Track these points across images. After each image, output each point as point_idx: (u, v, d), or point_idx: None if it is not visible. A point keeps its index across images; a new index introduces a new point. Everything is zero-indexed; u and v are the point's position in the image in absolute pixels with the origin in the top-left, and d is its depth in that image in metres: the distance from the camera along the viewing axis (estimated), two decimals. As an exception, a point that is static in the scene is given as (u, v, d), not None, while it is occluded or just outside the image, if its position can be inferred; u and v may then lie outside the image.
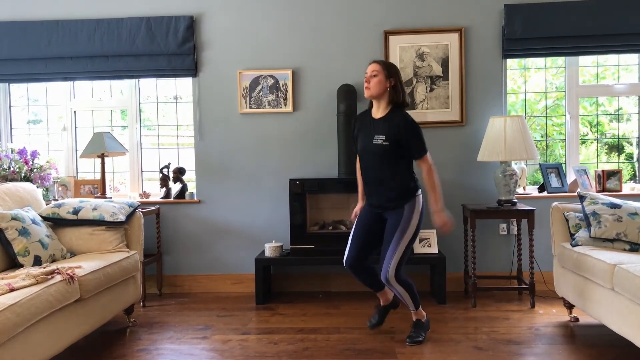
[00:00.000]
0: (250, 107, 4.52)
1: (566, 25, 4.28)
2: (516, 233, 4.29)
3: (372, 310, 3.91)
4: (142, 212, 3.94)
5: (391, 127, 3.10)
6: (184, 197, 4.62)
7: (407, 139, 3.11)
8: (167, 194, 4.65)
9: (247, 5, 4.52)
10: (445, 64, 4.41)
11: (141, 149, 4.81)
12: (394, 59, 4.41)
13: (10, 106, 4.91)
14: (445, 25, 4.42)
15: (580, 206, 3.54)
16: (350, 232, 3.35)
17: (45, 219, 3.56)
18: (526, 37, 4.31)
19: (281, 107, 4.49)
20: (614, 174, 4.42)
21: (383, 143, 3.08)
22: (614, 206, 3.37)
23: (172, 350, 3.25)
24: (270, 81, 4.48)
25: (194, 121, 4.62)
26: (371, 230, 3.27)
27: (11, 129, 4.92)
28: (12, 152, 4.43)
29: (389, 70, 3.13)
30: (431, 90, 4.43)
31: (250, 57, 4.52)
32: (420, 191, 3.23)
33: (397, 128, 3.09)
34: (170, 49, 4.48)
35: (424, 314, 3.36)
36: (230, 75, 4.54)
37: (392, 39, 4.42)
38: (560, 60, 4.64)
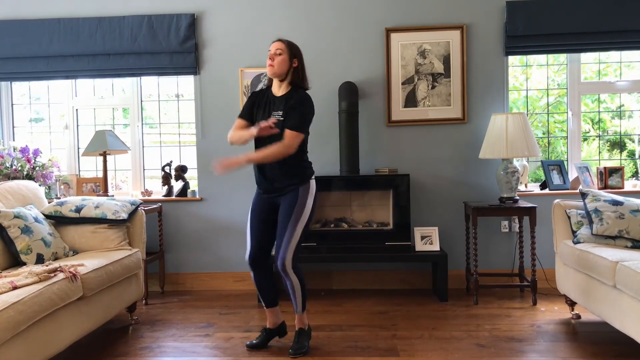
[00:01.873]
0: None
1: (568, 22, 4.28)
2: (518, 230, 4.29)
3: (374, 308, 3.92)
4: (144, 210, 3.95)
5: (288, 102, 3.01)
6: (185, 195, 4.62)
7: (292, 108, 2.99)
8: (169, 192, 4.65)
9: (248, 3, 4.52)
10: (446, 61, 4.40)
11: (143, 147, 4.81)
12: (395, 56, 4.41)
13: (12, 104, 4.92)
14: (446, 22, 4.41)
15: (582, 203, 3.54)
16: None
17: (47, 217, 3.57)
18: (528, 34, 4.30)
19: (283, 105, 4.48)
20: (616, 171, 4.42)
21: (280, 118, 2.98)
22: (616, 203, 3.37)
23: (174, 348, 3.26)
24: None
25: (195, 119, 4.62)
26: (268, 220, 3.10)
27: (13, 127, 4.92)
28: (14, 151, 4.44)
29: (293, 51, 3.04)
30: (433, 87, 4.42)
31: (251, 55, 4.52)
32: (314, 176, 3.14)
33: (292, 101, 3.01)
34: (172, 47, 4.49)
35: (307, 321, 3.20)
36: (231, 73, 4.54)
37: (394, 36, 4.42)
38: (562, 57, 4.64)
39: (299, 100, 3.02)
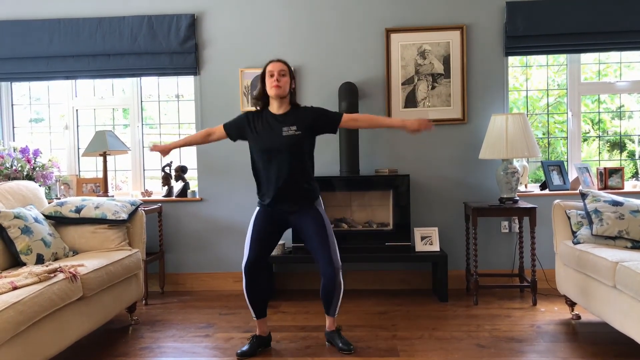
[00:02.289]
0: (252, 106, 4.51)
1: (568, 23, 4.28)
2: (518, 231, 4.29)
3: (374, 309, 3.92)
4: (144, 210, 3.95)
5: (300, 117, 3.07)
6: (186, 196, 4.62)
7: (319, 117, 3.12)
8: (169, 193, 4.65)
9: (248, 3, 4.52)
10: (446, 61, 4.41)
11: (143, 147, 4.81)
12: (395, 56, 4.41)
13: (12, 105, 4.92)
14: (446, 22, 4.41)
15: (582, 204, 3.54)
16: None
17: (47, 217, 3.57)
18: (528, 34, 4.30)
19: (283, 105, 4.48)
20: (616, 171, 4.42)
21: (296, 132, 3.01)
22: (616, 204, 3.37)
23: (174, 348, 3.26)
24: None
25: (195, 119, 4.62)
26: (272, 234, 3.15)
27: (13, 127, 4.92)
28: (14, 151, 4.44)
29: (291, 72, 3.12)
30: (433, 88, 4.42)
31: (251, 55, 4.52)
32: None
33: (307, 115, 3.10)
34: (172, 48, 4.49)
35: None
36: (231, 74, 4.54)
37: (394, 36, 4.42)
38: (562, 58, 4.64)
39: (313, 110, 3.16)
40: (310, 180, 3.13)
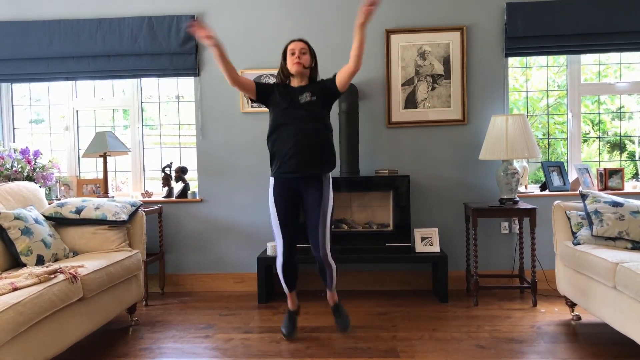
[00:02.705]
0: (252, 107, 4.53)
1: (568, 23, 4.28)
2: (518, 231, 4.29)
3: (374, 309, 3.92)
4: (144, 211, 3.95)
5: (314, 86, 3.31)
6: (186, 196, 4.63)
7: (327, 82, 3.31)
8: (169, 193, 4.65)
9: (248, 4, 4.52)
10: (446, 62, 4.41)
11: (143, 148, 4.82)
12: (395, 57, 4.42)
13: (12, 106, 4.92)
14: (446, 23, 4.42)
15: (582, 205, 3.54)
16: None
17: (47, 218, 3.57)
18: (528, 35, 4.31)
19: (283, 106, 4.49)
20: (616, 172, 4.42)
21: (311, 97, 3.24)
22: (616, 204, 3.37)
23: (174, 349, 3.26)
24: (272, 80, 4.48)
25: (196, 120, 4.62)
26: (293, 211, 3.32)
27: (14, 128, 4.93)
28: (14, 152, 4.44)
29: (312, 50, 3.35)
30: (433, 89, 4.43)
31: (251, 56, 4.52)
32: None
33: (319, 84, 3.33)
34: (172, 49, 4.49)
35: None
36: (232, 75, 4.54)
37: (394, 37, 4.42)
38: (562, 59, 4.64)
39: (323, 80, 3.36)
40: (330, 142, 3.31)
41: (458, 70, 4.40)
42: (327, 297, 3.53)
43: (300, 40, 3.32)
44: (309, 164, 3.21)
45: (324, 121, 3.29)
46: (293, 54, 3.26)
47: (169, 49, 4.49)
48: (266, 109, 4.46)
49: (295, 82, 3.33)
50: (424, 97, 4.44)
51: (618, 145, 4.86)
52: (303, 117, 3.22)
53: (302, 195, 3.29)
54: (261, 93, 3.34)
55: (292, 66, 3.26)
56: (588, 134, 4.93)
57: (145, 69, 4.55)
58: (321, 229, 3.24)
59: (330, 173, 3.34)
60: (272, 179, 3.31)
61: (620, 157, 4.81)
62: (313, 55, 3.34)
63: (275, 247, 4.19)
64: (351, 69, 3.22)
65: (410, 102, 4.44)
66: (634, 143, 4.93)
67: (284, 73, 3.34)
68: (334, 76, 3.31)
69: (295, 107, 3.23)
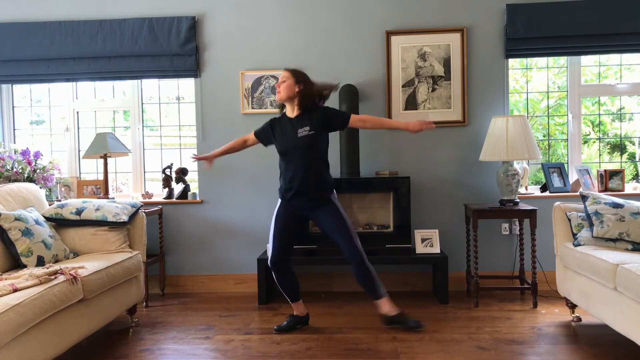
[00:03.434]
0: (253, 108, 4.53)
1: (568, 25, 4.28)
2: (518, 233, 4.28)
3: (374, 311, 3.92)
4: (144, 212, 3.95)
5: (312, 118, 3.34)
6: (186, 198, 4.63)
7: (331, 118, 3.37)
8: (170, 195, 4.66)
9: (249, 5, 4.53)
10: (447, 64, 4.41)
11: (144, 149, 4.82)
12: (395, 59, 4.42)
13: (13, 107, 4.93)
14: (447, 25, 4.42)
15: (582, 206, 3.54)
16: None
17: (48, 219, 3.57)
18: (528, 36, 4.31)
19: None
20: (617, 173, 4.42)
21: (309, 132, 3.30)
22: (617, 206, 3.37)
23: (174, 350, 3.26)
24: (273, 82, 4.49)
25: (196, 122, 4.63)
26: (293, 230, 3.46)
27: (14, 129, 4.93)
28: (15, 153, 4.44)
29: (297, 77, 3.36)
30: (433, 90, 4.43)
31: (252, 58, 4.53)
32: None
33: (319, 116, 3.36)
34: (173, 50, 4.49)
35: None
36: (232, 76, 4.55)
37: (394, 39, 4.42)
38: (563, 60, 4.64)
39: (323, 111, 3.38)
40: (326, 176, 3.42)
41: (458, 71, 4.40)
42: (385, 309, 3.44)
43: (285, 69, 3.41)
44: (309, 199, 3.36)
45: (319, 154, 3.39)
46: (278, 84, 3.38)
47: (170, 50, 4.49)
48: (266, 111, 4.51)
49: (289, 111, 3.43)
50: (424, 99, 4.44)
51: (618, 147, 4.86)
52: (299, 151, 3.32)
53: (313, 218, 3.46)
54: (266, 141, 3.53)
55: (278, 95, 3.39)
56: (588, 135, 4.93)
57: (145, 70, 4.56)
58: (350, 235, 3.34)
59: (334, 193, 3.46)
60: (279, 202, 3.48)
61: (621, 158, 4.81)
62: (298, 80, 3.35)
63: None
64: (367, 126, 3.48)
65: (411, 103, 4.44)
66: (634, 144, 4.93)
67: (281, 106, 3.49)
68: (346, 116, 3.39)
69: (292, 141, 3.33)
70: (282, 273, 3.46)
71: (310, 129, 3.30)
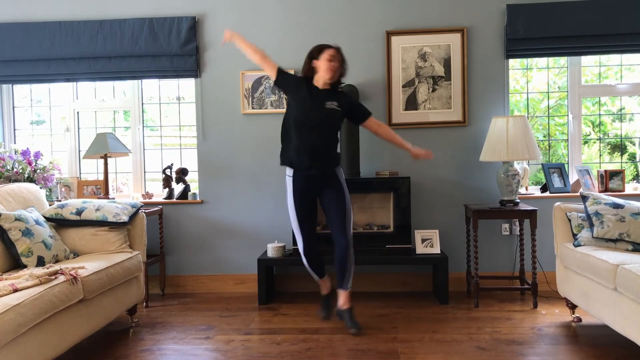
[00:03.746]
0: (253, 108, 4.53)
1: (568, 25, 4.28)
2: (518, 233, 4.28)
3: (374, 311, 3.92)
4: (145, 212, 3.95)
5: (340, 97, 3.48)
6: (186, 198, 4.63)
7: (355, 107, 3.58)
8: (170, 195, 4.66)
9: (249, 5, 4.53)
10: (447, 64, 4.41)
11: (144, 149, 4.82)
12: (396, 59, 4.42)
13: (13, 107, 4.93)
14: (447, 25, 4.42)
15: (582, 206, 3.54)
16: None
17: (48, 219, 3.57)
18: (528, 37, 4.31)
19: (284, 108, 4.49)
20: (617, 174, 4.42)
21: (337, 108, 3.42)
22: (617, 206, 3.37)
23: (174, 350, 3.26)
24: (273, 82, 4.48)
25: (196, 122, 4.63)
26: (313, 212, 3.55)
27: (14, 129, 4.93)
28: (15, 153, 4.44)
29: (344, 58, 3.49)
30: (433, 90, 4.43)
31: (252, 58, 4.52)
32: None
33: (346, 98, 3.52)
34: (173, 50, 4.49)
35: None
36: (232, 76, 4.55)
37: (394, 39, 4.42)
38: (563, 60, 4.64)
39: (348, 94, 3.61)
40: (336, 148, 3.56)
41: (459, 71, 4.40)
42: (340, 300, 3.52)
43: (338, 48, 3.44)
44: (319, 167, 3.43)
45: (336, 133, 3.53)
46: (331, 60, 3.38)
47: (170, 51, 4.50)
48: (266, 111, 4.50)
49: (319, 83, 3.46)
50: (424, 99, 4.44)
51: (619, 147, 4.86)
52: (324, 122, 3.39)
53: (320, 191, 3.50)
54: (282, 81, 3.52)
55: (327, 72, 3.39)
56: (589, 135, 4.93)
57: (146, 70, 4.56)
58: (345, 216, 3.44)
59: (340, 167, 3.57)
60: (288, 179, 3.51)
61: (621, 158, 4.81)
62: (343, 62, 3.48)
63: (275, 248, 4.21)
64: (380, 133, 3.62)
65: (411, 103, 4.44)
66: (634, 145, 4.93)
67: (309, 71, 3.47)
68: (368, 113, 3.59)
69: (319, 110, 3.38)
70: (314, 258, 3.55)
71: (337, 105, 3.41)
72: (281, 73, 3.54)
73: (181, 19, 4.49)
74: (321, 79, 3.45)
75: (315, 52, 3.45)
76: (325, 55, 3.40)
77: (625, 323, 2.83)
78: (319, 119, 3.38)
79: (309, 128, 3.39)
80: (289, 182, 3.52)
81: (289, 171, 3.51)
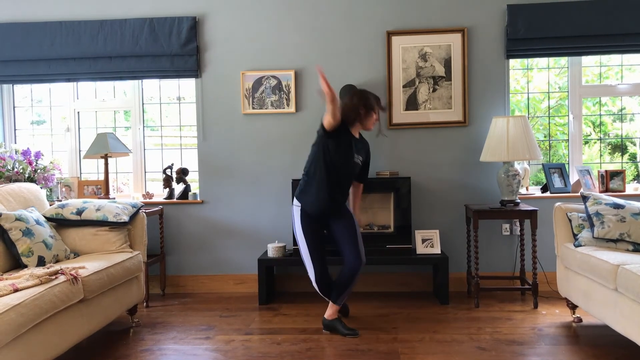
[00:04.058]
0: (253, 108, 4.53)
1: (569, 25, 4.28)
2: (519, 233, 4.28)
3: (374, 311, 3.92)
4: (145, 212, 3.95)
5: (363, 149, 3.61)
6: (187, 198, 4.63)
7: (367, 163, 3.71)
8: (170, 195, 4.66)
9: (249, 6, 4.53)
10: (447, 64, 4.41)
11: (144, 149, 4.82)
12: (396, 59, 4.42)
13: (14, 107, 4.93)
14: (447, 25, 4.42)
15: (583, 206, 3.54)
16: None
17: (49, 219, 3.58)
18: (529, 37, 4.30)
19: (284, 108, 4.49)
20: (617, 174, 4.42)
21: (360, 161, 3.58)
22: (618, 206, 3.37)
23: (175, 350, 3.26)
24: (273, 82, 4.49)
25: (197, 122, 4.63)
26: (322, 240, 3.57)
27: (15, 129, 4.93)
28: (15, 153, 4.45)
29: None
30: (434, 90, 4.43)
31: (253, 58, 4.53)
32: None
33: (366, 150, 3.66)
34: (173, 50, 4.49)
35: None
36: (233, 76, 4.55)
37: (395, 39, 4.42)
38: (563, 60, 4.64)
39: (368, 147, 3.69)
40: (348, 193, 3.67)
41: (459, 71, 4.40)
42: (328, 312, 3.52)
43: (383, 108, 3.61)
44: (336, 211, 3.54)
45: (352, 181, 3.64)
46: (376, 117, 3.51)
47: (170, 51, 4.50)
48: (267, 111, 4.50)
49: (355, 131, 3.53)
50: (425, 99, 4.44)
51: (619, 147, 4.86)
52: (348, 177, 3.54)
53: (329, 221, 3.55)
54: (337, 129, 3.41)
55: (370, 125, 3.51)
56: (589, 135, 4.93)
57: (146, 70, 4.56)
58: (358, 242, 3.48)
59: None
60: (296, 209, 3.53)
61: (622, 158, 4.80)
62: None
63: (276, 248, 4.21)
64: (355, 188, 3.80)
65: (411, 103, 4.44)
66: (635, 145, 4.93)
67: (352, 117, 3.44)
68: (366, 177, 3.78)
69: (351, 162, 3.48)
70: (327, 285, 3.55)
71: (362, 159, 3.58)
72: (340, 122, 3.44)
73: (182, 19, 4.49)
74: (359, 129, 3.54)
75: (369, 105, 3.45)
76: (375, 113, 3.49)
77: (625, 323, 2.83)
78: (347, 167, 3.48)
79: (336, 174, 3.45)
80: (296, 211, 3.53)
81: (297, 202, 3.54)
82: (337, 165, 3.43)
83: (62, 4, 4.62)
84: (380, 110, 3.55)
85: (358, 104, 3.43)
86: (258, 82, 4.51)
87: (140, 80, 4.75)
